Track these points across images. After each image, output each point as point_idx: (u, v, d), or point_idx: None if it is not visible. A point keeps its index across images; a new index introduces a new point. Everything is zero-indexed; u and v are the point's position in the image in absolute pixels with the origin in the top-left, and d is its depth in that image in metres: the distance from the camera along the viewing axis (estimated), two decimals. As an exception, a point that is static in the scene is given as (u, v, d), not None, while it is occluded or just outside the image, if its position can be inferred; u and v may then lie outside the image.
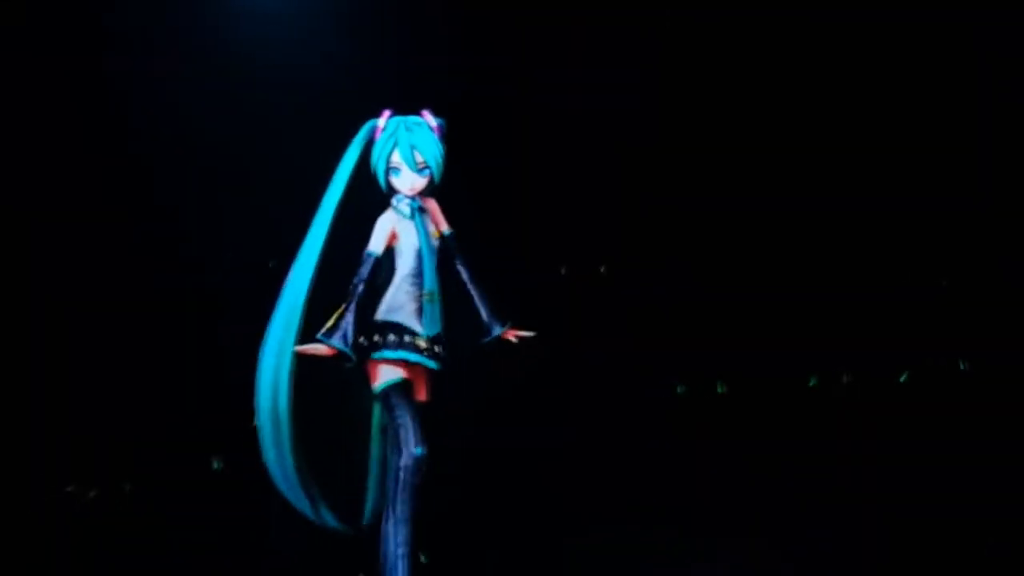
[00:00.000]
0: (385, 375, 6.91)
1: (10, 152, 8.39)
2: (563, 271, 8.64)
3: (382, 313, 6.93)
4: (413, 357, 6.89)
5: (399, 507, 6.88)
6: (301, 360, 6.88)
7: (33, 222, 8.42)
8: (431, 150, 6.99)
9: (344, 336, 6.81)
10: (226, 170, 8.44)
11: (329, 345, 6.80)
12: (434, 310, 6.94)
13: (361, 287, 6.87)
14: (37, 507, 8.16)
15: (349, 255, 6.95)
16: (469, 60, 8.43)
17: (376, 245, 6.93)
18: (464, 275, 7.10)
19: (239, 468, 8.17)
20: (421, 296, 6.94)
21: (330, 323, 6.84)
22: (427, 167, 6.98)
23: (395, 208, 6.98)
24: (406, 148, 6.96)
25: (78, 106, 8.46)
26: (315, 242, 6.95)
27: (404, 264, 6.98)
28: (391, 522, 6.91)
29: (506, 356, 7.20)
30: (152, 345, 8.49)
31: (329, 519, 7.10)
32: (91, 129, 8.47)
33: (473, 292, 7.10)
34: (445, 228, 7.10)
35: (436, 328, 6.94)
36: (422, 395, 6.98)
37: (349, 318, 6.82)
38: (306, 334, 6.85)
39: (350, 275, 6.90)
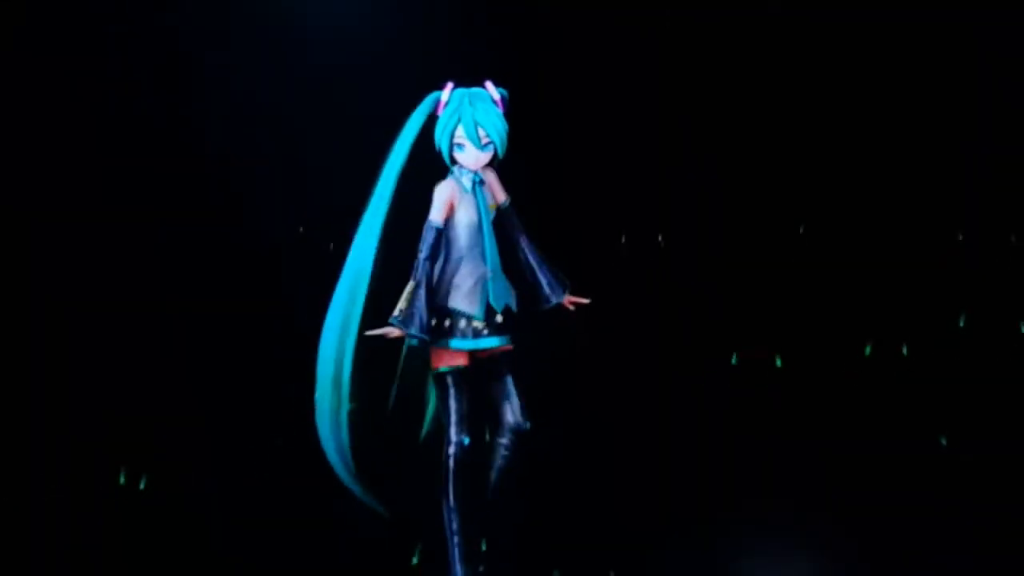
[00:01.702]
0: (443, 360, 6.85)
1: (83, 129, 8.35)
2: (623, 240, 8.53)
3: (441, 297, 6.85)
4: (468, 344, 6.84)
5: (450, 495, 6.85)
6: (365, 335, 6.83)
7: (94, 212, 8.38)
8: (495, 125, 6.90)
9: (420, 321, 6.73)
10: (286, 144, 8.35)
11: (405, 332, 6.73)
12: (496, 287, 6.86)
13: (427, 263, 6.79)
14: (89, 496, 8.13)
15: (412, 227, 6.87)
16: (530, 29, 8.32)
17: (437, 216, 6.85)
18: (522, 244, 7.02)
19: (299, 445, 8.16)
20: (481, 274, 6.86)
21: (402, 305, 6.76)
22: (491, 142, 6.91)
23: (456, 179, 6.91)
24: (470, 124, 6.87)
25: (138, 79, 8.39)
26: (376, 215, 6.88)
27: (460, 239, 6.89)
28: (444, 508, 6.90)
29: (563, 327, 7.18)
30: (210, 326, 8.41)
31: (374, 501, 7.05)
32: (153, 106, 8.40)
33: (532, 261, 7.02)
34: (503, 198, 7.02)
35: (500, 304, 6.86)
36: (492, 371, 6.91)
37: (421, 299, 6.75)
38: (370, 309, 6.78)
39: (413, 246, 6.83)
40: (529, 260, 7.02)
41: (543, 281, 7.02)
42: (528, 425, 6.86)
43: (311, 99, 8.27)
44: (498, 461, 6.91)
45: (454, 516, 6.86)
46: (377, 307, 6.79)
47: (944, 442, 8.28)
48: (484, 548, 6.93)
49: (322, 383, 6.90)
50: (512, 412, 6.87)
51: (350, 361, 6.87)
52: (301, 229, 8.51)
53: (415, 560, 7.74)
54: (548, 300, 7.01)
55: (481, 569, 6.89)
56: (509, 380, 6.89)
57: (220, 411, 8.36)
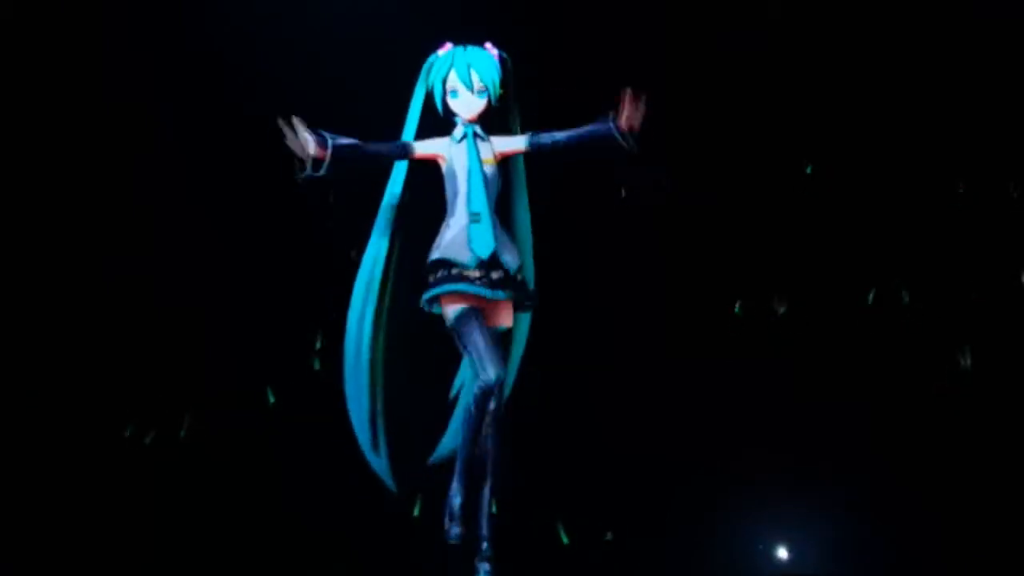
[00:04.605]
0: (452, 308, 6.86)
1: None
2: (623, 194, 8.53)
3: (436, 251, 6.88)
4: (463, 288, 6.81)
5: (472, 429, 6.83)
6: (389, 299, 6.99)
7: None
8: (489, 71, 6.92)
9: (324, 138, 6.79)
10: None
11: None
12: (482, 231, 6.86)
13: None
14: (95, 451, 8.22)
15: (428, 194, 6.98)
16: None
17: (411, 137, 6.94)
18: (557, 138, 6.95)
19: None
20: (464, 223, 6.87)
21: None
22: (485, 89, 6.92)
23: (452, 136, 6.95)
24: (463, 69, 6.90)
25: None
26: (396, 182, 7.00)
27: (451, 188, 6.92)
28: (464, 436, 6.88)
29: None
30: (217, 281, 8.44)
31: (383, 463, 7.12)
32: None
33: (576, 134, 6.95)
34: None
35: (488, 250, 6.85)
36: (499, 322, 6.94)
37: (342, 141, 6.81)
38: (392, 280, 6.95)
39: (432, 219, 6.93)
40: (574, 137, 6.95)
41: (591, 131, 6.92)
42: (491, 405, 6.81)
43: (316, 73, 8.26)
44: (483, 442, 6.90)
45: (466, 446, 6.84)
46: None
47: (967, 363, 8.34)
48: (495, 510, 7.00)
49: (348, 340, 7.03)
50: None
51: (371, 322, 6.98)
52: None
53: (416, 512, 7.87)
54: (610, 133, 6.85)
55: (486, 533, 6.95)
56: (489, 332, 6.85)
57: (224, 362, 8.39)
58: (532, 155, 7.02)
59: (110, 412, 8.26)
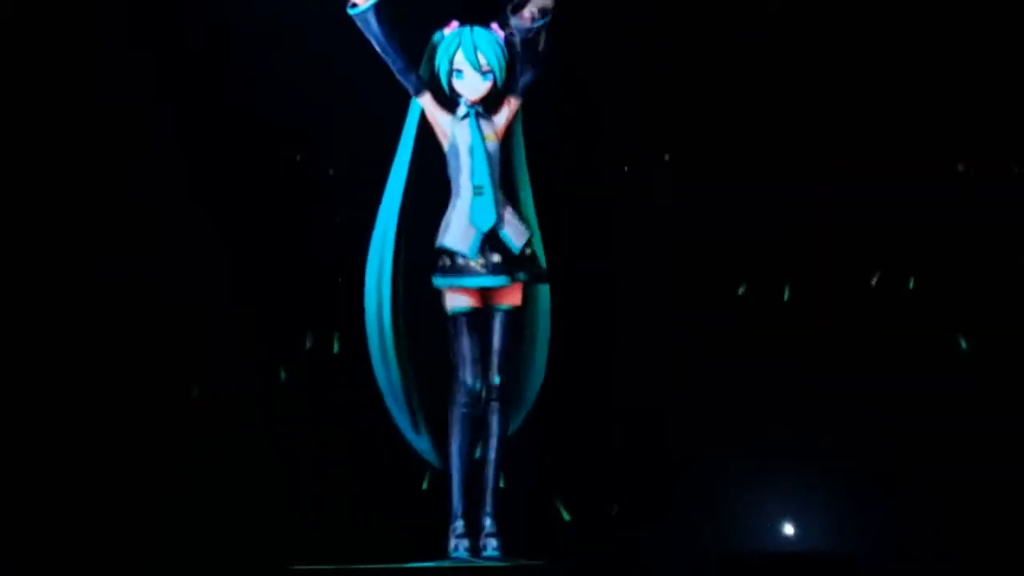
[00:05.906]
0: (450, 302, 6.90)
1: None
2: (626, 169, 8.55)
3: (441, 236, 6.90)
4: (464, 282, 6.84)
5: (454, 435, 6.87)
6: (404, 276, 6.96)
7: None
8: (495, 53, 6.94)
9: None
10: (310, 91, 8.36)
11: None
12: (484, 203, 6.85)
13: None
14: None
15: (434, 172, 6.98)
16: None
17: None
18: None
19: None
20: (472, 194, 6.88)
21: None
22: (491, 71, 6.94)
23: (455, 113, 6.96)
24: (469, 49, 6.92)
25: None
26: (403, 160, 6.98)
27: (457, 169, 6.92)
28: (449, 444, 6.93)
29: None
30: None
31: (425, 442, 7.09)
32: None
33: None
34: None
35: (488, 223, 6.84)
36: (506, 301, 6.92)
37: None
38: (403, 253, 6.94)
39: (439, 193, 6.93)
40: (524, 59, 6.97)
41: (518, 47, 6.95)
42: (497, 381, 6.85)
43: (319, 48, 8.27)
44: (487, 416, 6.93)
45: (455, 457, 6.90)
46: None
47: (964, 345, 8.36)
48: (502, 485, 6.97)
49: (369, 322, 7.00)
50: (489, 370, 6.87)
51: (389, 300, 6.93)
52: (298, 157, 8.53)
53: (425, 486, 7.85)
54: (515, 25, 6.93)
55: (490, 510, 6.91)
56: (498, 339, 6.89)
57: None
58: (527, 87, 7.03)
59: (121, 398, 8.28)
